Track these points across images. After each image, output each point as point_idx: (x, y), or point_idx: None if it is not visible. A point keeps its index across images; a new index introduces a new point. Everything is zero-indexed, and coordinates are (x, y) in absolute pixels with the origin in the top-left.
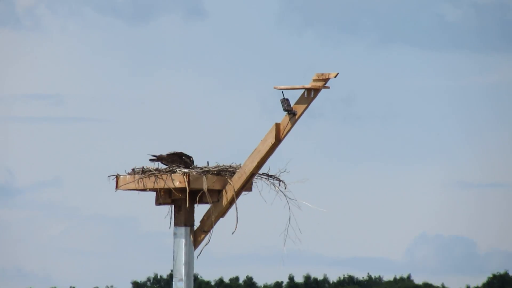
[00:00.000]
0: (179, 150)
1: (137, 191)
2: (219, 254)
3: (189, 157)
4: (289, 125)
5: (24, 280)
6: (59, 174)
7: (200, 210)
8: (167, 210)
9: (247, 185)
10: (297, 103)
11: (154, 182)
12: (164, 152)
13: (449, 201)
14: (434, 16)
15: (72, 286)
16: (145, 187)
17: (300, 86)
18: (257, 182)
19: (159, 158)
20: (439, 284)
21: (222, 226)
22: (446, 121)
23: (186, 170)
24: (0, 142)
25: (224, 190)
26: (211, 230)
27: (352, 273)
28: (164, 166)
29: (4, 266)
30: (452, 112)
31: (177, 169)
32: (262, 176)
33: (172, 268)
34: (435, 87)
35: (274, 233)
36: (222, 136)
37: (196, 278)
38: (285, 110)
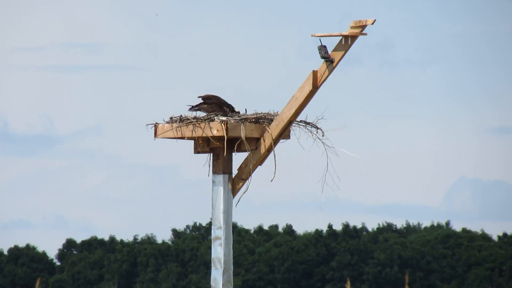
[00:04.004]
0: (216, 96)
1: (175, 140)
2: (257, 201)
3: (228, 106)
4: (327, 73)
5: (64, 229)
6: (99, 122)
7: (238, 158)
8: (206, 158)
9: (285, 133)
10: (334, 50)
11: (192, 131)
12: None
13: (488, 145)
14: None
15: (112, 234)
16: (183, 136)
17: (338, 33)
18: (294, 130)
19: (199, 107)
20: (478, 230)
21: (260, 174)
22: (486, 66)
23: (224, 118)
24: (40, 90)
25: (262, 138)
26: (249, 178)
27: (390, 221)
28: (202, 114)
29: (45, 214)
30: (492, 57)
31: (215, 117)
32: (299, 123)
33: (211, 216)
34: (473, 31)
35: (313, 180)
36: (260, 84)
37: (235, 226)
38: (322, 57)
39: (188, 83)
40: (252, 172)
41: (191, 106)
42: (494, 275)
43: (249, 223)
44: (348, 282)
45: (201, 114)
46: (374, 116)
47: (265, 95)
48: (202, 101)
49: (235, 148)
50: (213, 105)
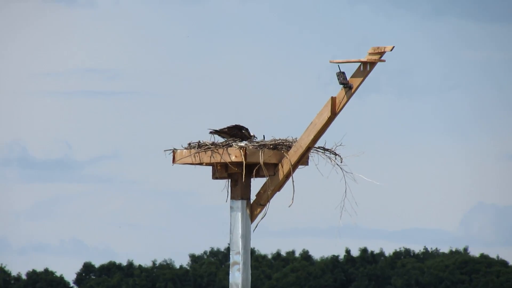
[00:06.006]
0: (236, 123)
1: (193, 165)
2: (275, 227)
3: (246, 129)
4: (345, 99)
5: (83, 253)
6: (118, 148)
7: (257, 184)
8: (224, 184)
9: (303, 159)
10: (353, 76)
11: (210, 157)
12: (221, 126)
13: (505, 170)
14: None
15: (130, 259)
16: (202, 162)
17: (356, 60)
18: (313, 156)
19: (220, 132)
20: (494, 256)
21: (278, 199)
22: (503, 92)
23: (242, 144)
24: (59, 116)
25: (280, 164)
26: (268, 204)
27: (408, 246)
28: (221, 140)
29: (63, 238)
30: (510, 83)
31: (233, 143)
32: (318, 149)
33: (229, 242)
34: (491, 58)
35: (330, 206)
36: (278, 110)
37: (253, 251)
38: (341, 83)
39: (206, 108)
40: (271, 198)
41: (212, 130)
42: None
43: (267, 249)
44: None
45: (219, 139)
46: (392, 142)
47: (283, 121)
48: (218, 130)
49: (254, 174)
50: (233, 128)
